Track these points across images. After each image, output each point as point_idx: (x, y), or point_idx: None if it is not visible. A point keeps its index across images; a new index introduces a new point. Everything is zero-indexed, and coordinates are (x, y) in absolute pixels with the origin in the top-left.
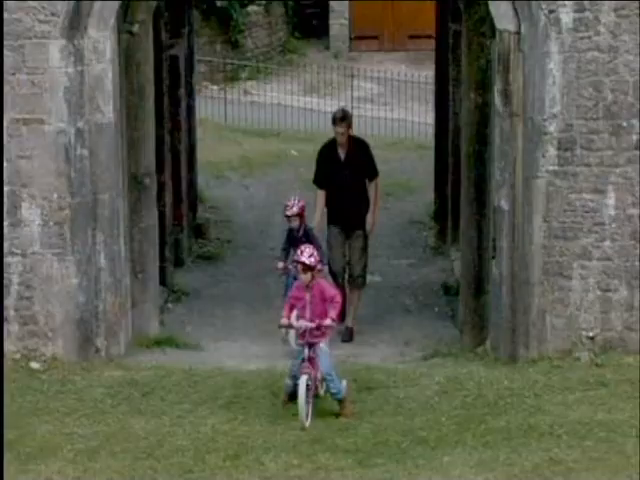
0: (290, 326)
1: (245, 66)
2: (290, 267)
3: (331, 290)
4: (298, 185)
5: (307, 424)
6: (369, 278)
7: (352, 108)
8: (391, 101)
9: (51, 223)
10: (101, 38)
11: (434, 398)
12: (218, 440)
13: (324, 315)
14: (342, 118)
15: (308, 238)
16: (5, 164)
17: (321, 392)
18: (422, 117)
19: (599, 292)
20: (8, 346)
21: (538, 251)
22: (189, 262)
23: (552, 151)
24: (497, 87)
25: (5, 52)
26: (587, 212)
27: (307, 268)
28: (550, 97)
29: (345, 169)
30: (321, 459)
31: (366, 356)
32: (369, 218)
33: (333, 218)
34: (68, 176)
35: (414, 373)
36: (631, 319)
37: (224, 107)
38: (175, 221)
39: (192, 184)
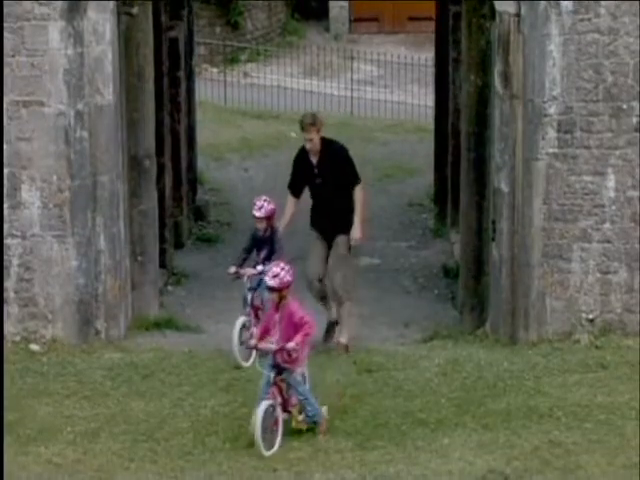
0: (256, 347)
1: (245, 48)
2: (242, 271)
3: (302, 316)
4: None
5: (267, 453)
6: (369, 260)
7: (352, 90)
8: (391, 83)
9: (51, 205)
10: (101, 20)
11: (434, 380)
12: (218, 422)
13: (292, 340)
14: (311, 124)
15: (272, 240)
16: (5, 146)
17: (299, 418)
18: (422, 99)
19: (599, 274)
20: (8, 328)
21: (538, 233)
22: (189, 244)
23: (552, 133)
24: (497, 69)
25: (5, 34)
26: (587, 194)
27: (271, 289)
28: (550, 79)
29: (318, 177)
30: (321, 441)
31: (366, 338)
32: (353, 232)
33: (314, 222)
34: (68, 158)
35: (414, 355)
36: (631, 301)
37: (224, 89)
38: (174, 203)
39: (192, 166)
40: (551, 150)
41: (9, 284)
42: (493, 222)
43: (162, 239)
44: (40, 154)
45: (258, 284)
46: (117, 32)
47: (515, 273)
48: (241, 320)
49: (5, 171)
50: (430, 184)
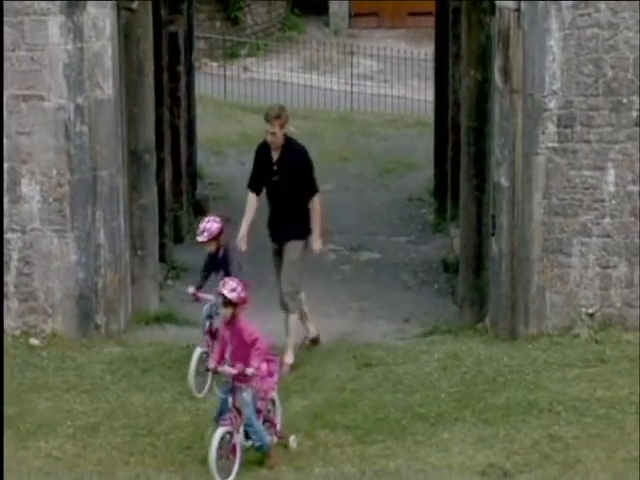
0: (215, 371)
1: (245, 43)
2: (202, 296)
3: (251, 332)
4: None
5: None
6: (368, 255)
7: (352, 85)
8: (391, 78)
9: (51, 199)
10: (100, 15)
11: (433, 375)
12: None
13: (245, 358)
14: (277, 117)
15: (226, 261)
16: (5, 140)
17: (245, 443)
18: (422, 94)
19: (599, 269)
20: (8, 322)
21: (538, 228)
22: (188, 239)
23: (552, 128)
24: (497, 64)
25: (5, 28)
26: (587, 189)
27: (227, 303)
28: (550, 74)
29: (277, 173)
30: (320, 435)
31: (366, 333)
32: (314, 244)
33: (270, 230)
34: (68, 152)
35: (413, 350)
36: (631, 296)
37: (223, 84)
38: (174, 197)
39: (191, 161)
40: (551, 145)
41: (9, 278)
42: (493, 217)
43: (162, 233)
44: (40, 148)
45: (216, 312)
46: (117, 27)
47: (515, 268)
48: (198, 351)
49: (5, 165)
50: (430, 179)
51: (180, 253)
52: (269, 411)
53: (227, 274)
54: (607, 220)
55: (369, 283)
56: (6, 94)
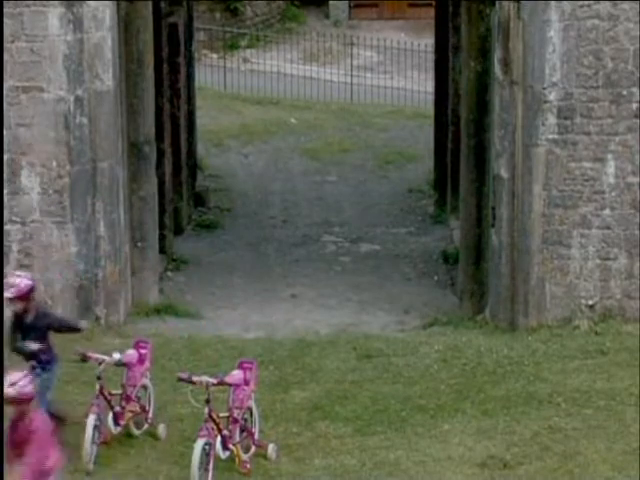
0: (191, 381)
1: (244, 34)
2: (92, 356)
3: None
4: (297, 153)
5: None
6: (369, 247)
7: (352, 76)
8: (391, 69)
9: (50, 191)
10: (100, 6)
11: (433, 366)
12: (217, 408)
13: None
14: None
15: (37, 325)
16: (4, 132)
17: (244, 457)
18: (422, 85)
19: (599, 260)
20: (8, 314)
21: (538, 220)
22: (188, 230)
23: (552, 119)
24: (497, 55)
25: (4, 19)
26: (587, 180)
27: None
28: (550, 65)
29: None
30: (321, 427)
31: (366, 324)
32: None
33: None
34: (67, 144)
35: (413, 341)
36: (630, 287)
37: (223, 75)
38: (174, 189)
39: (191, 152)
40: (551, 136)
41: (9, 270)
42: (493, 208)
43: (162, 225)
44: (40, 140)
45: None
46: (117, 18)
47: (515, 259)
48: (92, 419)
49: (5, 157)
50: (430, 170)
51: (180, 245)
52: (246, 420)
53: (38, 339)
54: (607, 212)
55: (369, 275)
56: (6, 85)
